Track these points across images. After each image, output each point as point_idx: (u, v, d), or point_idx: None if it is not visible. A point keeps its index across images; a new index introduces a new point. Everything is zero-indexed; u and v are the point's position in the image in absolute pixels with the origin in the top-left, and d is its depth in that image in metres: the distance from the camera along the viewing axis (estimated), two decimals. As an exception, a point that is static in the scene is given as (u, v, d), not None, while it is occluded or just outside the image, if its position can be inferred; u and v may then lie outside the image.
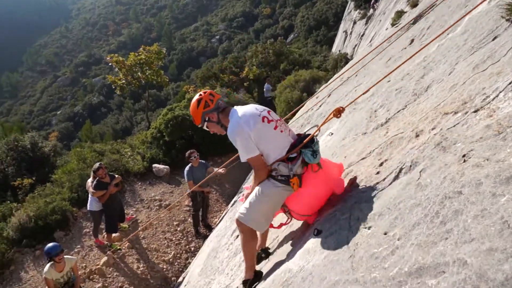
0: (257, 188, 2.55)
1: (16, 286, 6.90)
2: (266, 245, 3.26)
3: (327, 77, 11.62)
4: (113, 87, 15.74)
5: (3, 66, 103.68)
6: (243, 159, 2.49)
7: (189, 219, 8.72)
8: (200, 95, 2.67)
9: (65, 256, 5.50)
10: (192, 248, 8.03)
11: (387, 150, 2.65)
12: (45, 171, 11.87)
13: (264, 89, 15.05)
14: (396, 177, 2.20)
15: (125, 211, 8.41)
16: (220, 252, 4.96)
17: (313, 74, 12.72)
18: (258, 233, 2.83)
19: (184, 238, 8.25)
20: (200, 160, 7.54)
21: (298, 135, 2.68)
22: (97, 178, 7.03)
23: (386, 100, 3.65)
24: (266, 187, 2.50)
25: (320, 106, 6.47)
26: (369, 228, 1.97)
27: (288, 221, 2.97)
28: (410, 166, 2.14)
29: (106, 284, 6.98)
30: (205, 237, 8.18)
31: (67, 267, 5.54)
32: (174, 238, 8.18)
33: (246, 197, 2.71)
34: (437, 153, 2.01)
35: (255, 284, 2.69)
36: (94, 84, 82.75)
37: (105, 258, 7.41)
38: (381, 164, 2.55)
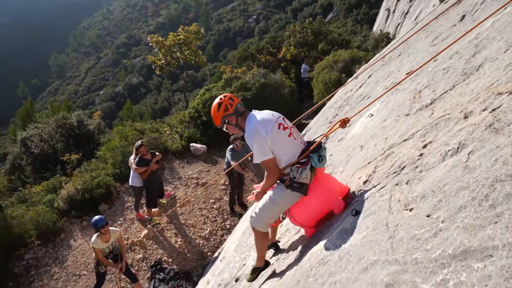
0: (269, 194, 2.77)
1: (66, 252, 7.45)
2: (276, 239, 3.64)
3: (367, 58, 11.21)
4: (153, 68, 16.10)
5: (51, 48, 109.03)
6: (257, 160, 2.66)
7: (225, 198, 8.93)
8: (221, 99, 2.84)
9: (110, 228, 5.83)
10: (228, 226, 8.24)
11: (432, 132, 2.55)
12: (90, 148, 12.53)
13: (301, 70, 14.79)
14: (441, 160, 2.11)
15: (164, 188, 8.74)
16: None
17: (352, 54, 12.32)
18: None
19: (220, 216, 8.48)
20: (243, 143, 7.66)
21: (308, 142, 2.83)
22: (139, 155, 7.33)
23: (432, 80, 3.48)
24: (277, 195, 2.72)
25: (360, 87, 6.29)
26: (410, 210, 1.93)
27: (282, 220, 3.31)
28: (458, 148, 2.05)
29: (147, 255, 7.36)
30: (240, 215, 8.36)
31: (112, 238, 5.88)
32: (210, 215, 8.43)
33: (256, 196, 2.92)
34: (488, 135, 1.91)
35: (263, 271, 3.15)
36: (134, 65, 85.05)
37: (145, 231, 7.80)
38: (424, 146, 2.47)
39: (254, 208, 2.90)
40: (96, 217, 5.71)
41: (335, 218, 2.79)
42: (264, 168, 2.72)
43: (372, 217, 2.19)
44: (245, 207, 8.55)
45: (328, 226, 2.80)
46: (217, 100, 2.87)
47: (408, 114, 3.29)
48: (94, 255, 5.91)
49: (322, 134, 2.85)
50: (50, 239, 7.74)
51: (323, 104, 8.52)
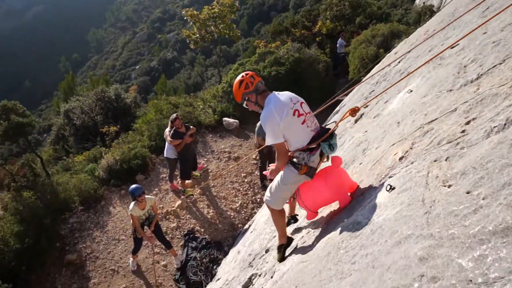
0: (279, 176, 2.99)
1: (106, 218, 7.90)
2: (295, 213, 3.89)
3: (408, 32, 10.64)
4: (187, 42, 16.17)
5: (90, 23, 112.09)
6: (269, 142, 2.82)
7: (256, 172, 9.03)
8: (242, 76, 2.97)
9: (146, 196, 6.10)
10: (258, 199, 8.38)
11: (477, 108, 2.42)
12: (127, 120, 12.98)
13: (337, 45, 14.32)
14: (486, 136, 2.02)
15: (197, 161, 8.95)
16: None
17: (392, 28, 11.72)
18: (286, 206, 3.31)
19: (251, 189, 8.62)
20: None
21: (321, 128, 2.92)
22: (174, 128, 7.51)
23: (479, 54, 3.27)
24: (287, 177, 2.91)
25: (399, 62, 6.02)
26: (449, 186, 1.87)
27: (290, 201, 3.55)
28: (505, 124, 1.94)
29: (180, 225, 7.67)
30: (270, 190, 8.46)
31: (147, 206, 6.16)
32: (241, 189, 8.59)
33: (271, 173, 3.14)
34: (540, 111, 1.80)
35: (288, 247, 3.30)
36: (169, 40, 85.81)
37: (179, 202, 8.09)
38: (467, 123, 2.36)
39: (269, 189, 3.09)
40: (133, 185, 5.98)
41: (367, 192, 2.77)
42: (275, 149, 2.88)
43: (408, 192, 2.15)
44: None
45: (360, 200, 2.78)
46: (239, 77, 2.99)
47: (451, 90, 3.14)
48: (131, 221, 6.23)
49: (335, 122, 2.98)
50: (92, 205, 8.23)
51: (359, 80, 8.29)
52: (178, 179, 8.45)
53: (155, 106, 11.84)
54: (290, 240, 3.35)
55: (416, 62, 5.12)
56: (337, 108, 8.73)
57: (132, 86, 60.57)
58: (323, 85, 11.67)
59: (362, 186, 3.10)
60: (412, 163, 2.51)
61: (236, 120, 10.92)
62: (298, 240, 3.43)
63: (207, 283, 6.31)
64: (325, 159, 2.99)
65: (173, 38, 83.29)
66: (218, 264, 6.72)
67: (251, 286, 3.87)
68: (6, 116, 8.51)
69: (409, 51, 5.96)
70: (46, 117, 60.04)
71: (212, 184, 8.71)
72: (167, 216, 7.84)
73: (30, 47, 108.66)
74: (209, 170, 9.26)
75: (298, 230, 3.68)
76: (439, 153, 2.26)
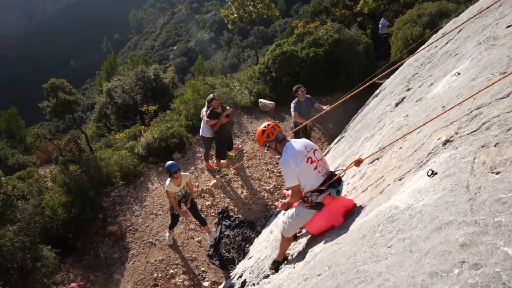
0: (294, 209, 3.49)
1: (145, 193, 8.25)
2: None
3: (458, 11, 9.95)
4: (225, 22, 16.14)
5: (131, 4, 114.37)
6: (287, 185, 3.33)
7: (291, 154, 9.01)
8: (265, 127, 3.48)
9: (181, 173, 6.28)
10: (292, 182, 8.38)
11: (532, 92, 2.26)
12: (165, 100, 13.30)
13: (380, 25, 13.68)
14: (541, 121, 1.89)
15: (233, 141, 9.06)
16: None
17: (441, 7, 11.00)
18: None
19: (285, 172, 8.63)
20: (306, 96, 7.53)
21: (331, 173, 3.38)
22: (211, 108, 7.61)
23: (538, 34, 3.03)
24: (300, 211, 3.42)
25: (446, 43, 5.69)
26: (497, 173, 1.79)
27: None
28: None
29: (215, 203, 7.86)
30: (304, 172, 8.43)
31: (183, 183, 6.35)
32: (275, 170, 8.63)
33: (282, 206, 3.73)
34: None
35: (282, 264, 3.86)
36: (206, 21, 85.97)
37: (214, 181, 8.27)
38: (521, 107, 2.21)
39: (284, 220, 3.61)
40: (170, 162, 6.16)
41: (407, 177, 2.70)
42: (291, 190, 3.38)
43: (451, 178, 2.07)
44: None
45: (399, 185, 2.72)
46: (262, 126, 3.51)
47: (504, 72, 2.94)
48: (168, 198, 6.46)
49: (341, 169, 3.43)
50: (132, 181, 8.61)
51: (401, 63, 7.93)
52: (214, 159, 8.62)
53: (192, 87, 12.02)
54: (285, 258, 3.95)
55: (466, 43, 4.82)
56: (377, 92, 8.46)
57: (170, 66, 61.66)
58: (363, 67, 11.29)
59: (401, 170, 3.02)
60: (456, 148, 2.40)
61: (272, 102, 10.87)
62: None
63: (239, 260, 6.48)
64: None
65: (211, 19, 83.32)
66: (251, 243, 6.86)
67: (282, 265, 3.93)
68: (54, 94, 8.97)
69: (459, 31, 5.62)
70: (89, 96, 62.82)
71: (246, 165, 8.80)
72: (202, 194, 8.05)
73: (74, 29, 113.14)
74: (244, 151, 9.35)
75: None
76: (488, 139, 2.15)
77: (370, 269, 1.87)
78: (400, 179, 2.82)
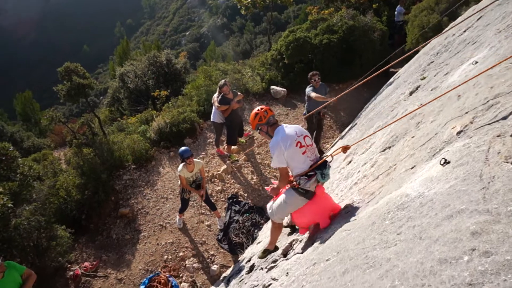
0: (282, 196, 3.56)
1: (156, 177, 8.36)
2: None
3: (477, -2, 9.63)
4: (238, 7, 15.97)
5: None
6: (274, 166, 3.41)
7: (301, 142, 8.98)
8: (258, 110, 3.58)
9: (194, 159, 6.34)
10: (302, 169, 8.38)
11: (552, 81, 2.20)
12: (177, 85, 13.34)
13: (396, 12, 13.36)
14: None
15: (244, 128, 9.07)
16: (331, 174, 5.09)
17: (459, -6, 10.71)
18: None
19: (295, 159, 8.62)
20: (321, 82, 7.47)
21: (320, 158, 3.45)
22: (222, 94, 7.61)
23: (561, 21, 2.93)
24: (289, 197, 3.48)
25: (464, 31, 5.55)
26: (512, 162, 1.76)
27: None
28: None
29: (225, 188, 7.94)
30: (315, 160, 8.42)
31: (195, 169, 6.41)
32: (285, 158, 8.62)
33: (272, 190, 3.77)
34: None
35: (272, 253, 4.10)
36: (219, 6, 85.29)
37: (224, 166, 8.33)
38: (540, 97, 2.16)
39: (273, 204, 3.68)
40: (183, 148, 6.21)
41: (419, 166, 2.68)
42: (279, 172, 3.50)
43: (464, 167, 2.05)
44: (321, 153, 8.55)
45: (410, 174, 2.70)
46: (255, 110, 3.60)
47: (523, 61, 2.86)
48: (179, 182, 6.55)
49: (328, 154, 3.45)
50: (143, 165, 8.73)
51: (415, 52, 7.78)
52: (224, 145, 8.66)
53: (204, 72, 12.01)
54: (276, 248, 4.14)
55: (485, 31, 4.69)
56: (391, 80, 8.34)
57: (182, 52, 61.56)
58: (377, 55, 11.09)
59: (413, 159, 2.99)
60: (471, 137, 2.37)
61: (284, 89, 10.81)
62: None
63: (248, 245, 6.56)
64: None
65: (224, 4, 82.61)
66: (260, 228, 6.93)
67: (291, 250, 3.98)
68: (68, 77, 9.06)
69: (478, 19, 5.47)
70: (102, 81, 63.32)
71: (257, 151, 8.83)
72: (213, 180, 8.13)
73: (88, 13, 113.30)
74: (255, 137, 9.36)
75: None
76: (504, 128, 2.11)
77: (378, 255, 1.88)
78: (412, 168, 2.80)
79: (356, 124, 7.41)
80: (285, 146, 3.26)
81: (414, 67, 6.80)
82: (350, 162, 5.00)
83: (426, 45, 7.16)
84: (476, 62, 3.86)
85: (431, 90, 4.46)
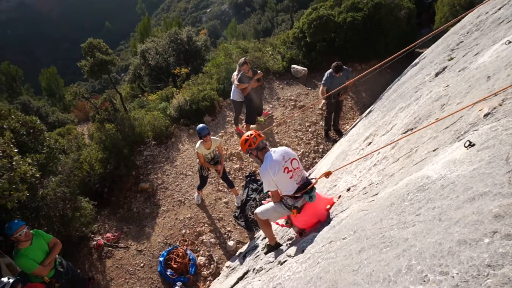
0: (272, 203, 3.89)
1: (176, 154, 8.50)
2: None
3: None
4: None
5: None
6: (265, 189, 3.73)
7: (321, 122, 8.91)
8: (248, 136, 3.81)
9: (211, 137, 6.39)
10: (320, 150, 8.34)
11: None
12: (197, 63, 13.33)
13: (425, -10, 12.90)
14: None
15: (263, 107, 9.03)
16: (350, 155, 5.05)
17: (494, -30, 10.09)
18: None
19: (314, 139, 8.58)
20: (344, 67, 7.32)
21: (307, 179, 3.72)
22: (242, 72, 7.56)
23: None
24: (277, 207, 3.83)
25: (499, 9, 5.26)
26: (541, 146, 1.70)
27: (287, 225, 4.45)
28: None
29: (243, 167, 8.00)
30: (334, 141, 8.35)
31: (213, 146, 6.47)
32: (304, 138, 8.59)
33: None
34: None
35: (274, 249, 4.24)
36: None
37: (243, 145, 8.36)
38: None
39: (264, 207, 4.07)
40: (200, 125, 6.26)
41: (442, 148, 2.61)
42: (270, 194, 3.81)
43: (489, 150, 1.99)
44: (340, 134, 8.46)
45: (432, 156, 2.64)
46: (245, 135, 3.84)
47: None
48: (198, 159, 6.64)
49: (314, 179, 3.65)
50: (163, 141, 8.87)
51: (444, 31, 7.46)
52: (243, 123, 8.67)
53: (224, 50, 11.92)
54: (278, 245, 4.31)
55: (520, 9, 4.44)
56: (416, 61, 8.07)
57: (202, 29, 61.13)
58: (403, 34, 10.71)
59: (436, 141, 2.93)
60: (499, 120, 2.29)
61: (304, 68, 10.64)
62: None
63: (265, 223, 6.65)
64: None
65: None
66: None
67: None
68: (91, 53, 9.18)
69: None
70: (123, 57, 63.88)
71: (275, 131, 8.81)
72: (231, 158, 8.20)
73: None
74: (274, 117, 9.33)
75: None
76: (534, 111, 2.03)
77: (396, 235, 1.87)
78: (434, 150, 2.74)
79: (377, 105, 7.26)
80: (274, 172, 3.53)
81: (442, 47, 6.54)
82: (370, 143, 4.92)
83: (456, 24, 6.85)
84: (510, 42, 3.67)
85: (459, 71, 4.30)
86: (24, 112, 7.44)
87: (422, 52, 9.35)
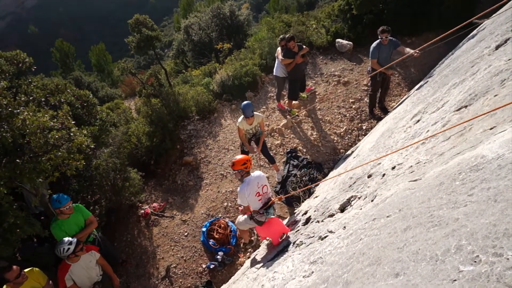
0: (245, 217, 5.07)
1: (218, 129, 8.67)
2: None
3: None
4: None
5: None
6: (239, 203, 4.85)
7: (365, 99, 8.63)
8: (247, 159, 4.75)
9: (254, 113, 6.41)
10: (364, 127, 8.13)
11: None
12: (240, 38, 13.27)
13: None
14: None
15: (306, 82, 8.88)
16: (396, 133, 4.88)
17: None
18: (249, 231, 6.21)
19: (358, 116, 8.36)
20: (390, 38, 6.96)
21: (269, 199, 4.85)
22: (287, 47, 7.43)
23: None
24: (247, 220, 5.00)
25: None
26: None
27: (253, 237, 6.41)
28: None
29: (284, 143, 8.01)
30: (379, 118, 8.09)
31: (255, 122, 6.50)
32: (348, 115, 8.39)
33: (241, 212, 5.11)
34: None
35: (249, 247, 6.29)
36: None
37: (284, 121, 8.35)
38: None
39: (240, 217, 5.35)
40: (245, 102, 6.29)
41: (500, 126, 2.45)
42: (243, 207, 4.84)
43: (556, 129, 1.84)
44: (385, 111, 8.15)
45: (489, 134, 2.49)
46: (245, 157, 4.77)
47: None
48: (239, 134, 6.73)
49: (272, 199, 4.86)
50: (206, 116, 9.06)
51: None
52: (286, 99, 8.60)
53: (267, 24, 11.75)
54: (251, 241, 6.35)
55: None
56: (474, 32, 7.47)
57: (244, 3, 60.31)
58: (460, 5, 9.90)
59: (493, 119, 2.74)
60: None
61: (350, 42, 10.24)
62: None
63: (305, 199, 6.68)
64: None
65: (289, -49, 77.98)
66: (317, 184, 6.98)
67: (348, 206, 3.98)
68: (138, 29, 9.41)
69: None
70: (167, 33, 64.87)
71: (318, 107, 8.68)
72: (272, 133, 8.22)
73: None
74: (317, 93, 9.16)
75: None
76: None
77: (445, 214, 1.81)
78: (491, 129, 2.58)
79: (427, 81, 6.87)
80: (248, 194, 4.60)
81: (505, 16, 5.99)
82: (418, 121, 4.71)
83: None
84: None
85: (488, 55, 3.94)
86: (77, 87, 7.83)
87: (482, 23, 8.62)
